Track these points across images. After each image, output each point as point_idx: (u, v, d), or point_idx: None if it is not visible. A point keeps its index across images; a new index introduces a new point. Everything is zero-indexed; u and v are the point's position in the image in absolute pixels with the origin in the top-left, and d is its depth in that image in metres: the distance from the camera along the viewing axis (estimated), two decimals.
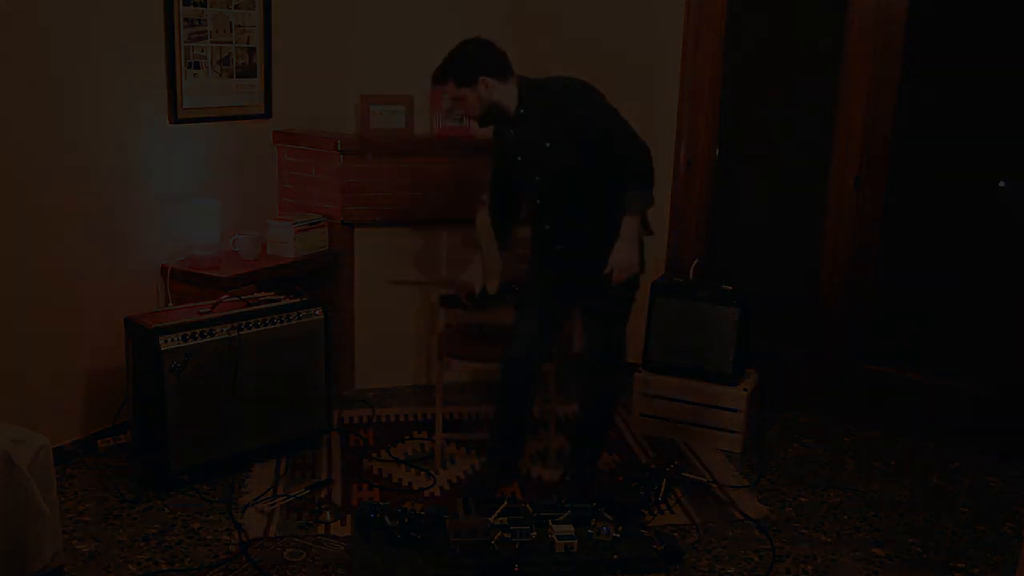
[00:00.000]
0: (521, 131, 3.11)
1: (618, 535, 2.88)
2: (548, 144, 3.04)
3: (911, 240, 3.88)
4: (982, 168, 3.69)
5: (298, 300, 3.49)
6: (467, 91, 3.02)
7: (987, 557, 2.98)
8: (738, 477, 3.49)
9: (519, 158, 3.15)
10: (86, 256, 3.39)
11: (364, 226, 4.09)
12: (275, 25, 3.97)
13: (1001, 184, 3.66)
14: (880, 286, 3.94)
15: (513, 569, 2.70)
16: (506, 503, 2.95)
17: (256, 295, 3.51)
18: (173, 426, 3.13)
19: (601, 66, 4.30)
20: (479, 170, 3.64)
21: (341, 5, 4.16)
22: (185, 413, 3.16)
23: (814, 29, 3.95)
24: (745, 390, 3.70)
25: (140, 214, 3.56)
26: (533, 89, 3.08)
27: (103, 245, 3.44)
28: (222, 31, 3.76)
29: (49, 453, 2.50)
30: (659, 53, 4.20)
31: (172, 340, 3.11)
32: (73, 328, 3.37)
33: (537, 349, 3.23)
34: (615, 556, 2.79)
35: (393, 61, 4.24)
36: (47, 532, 2.48)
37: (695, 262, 4.03)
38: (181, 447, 3.17)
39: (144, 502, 3.13)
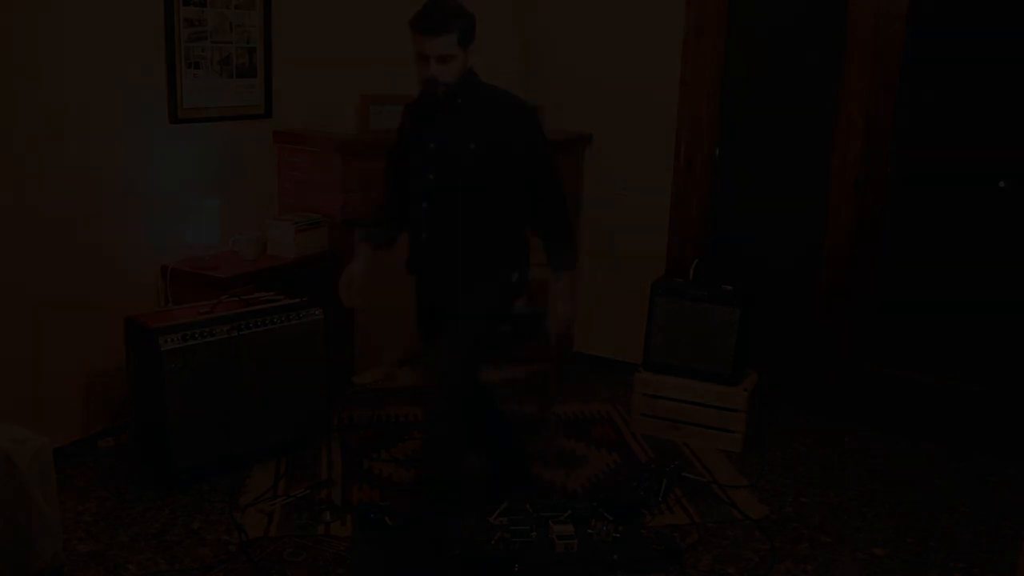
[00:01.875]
0: (450, 121, 2.78)
1: (618, 535, 2.88)
2: (472, 146, 2.74)
3: (911, 240, 3.88)
4: (982, 168, 3.70)
5: (298, 300, 3.49)
6: (460, 52, 2.64)
7: (987, 557, 2.98)
8: (738, 477, 3.48)
9: (432, 145, 2.80)
10: (86, 256, 3.39)
11: (364, 226, 4.08)
12: (275, 25, 3.97)
13: (1001, 184, 3.66)
14: (880, 286, 3.94)
15: (513, 569, 2.70)
16: (506, 503, 2.96)
17: (256, 295, 3.51)
18: (173, 426, 3.13)
19: (601, 66, 4.32)
20: None
21: (341, 5, 4.15)
22: (185, 413, 3.16)
23: (814, 29, 3.95)
24: (745, 390, 3.70)
25: (140, 214, 3.56)
26: (479, 86, 2.79)
27: (103, 245, 3.44)
28: (222, 31, 3.76)
29: (49, 453, 2.50)
30: (659, 53, 4.20)
31: (172, 340, 3.11)
32: (73, 328, 3.37)
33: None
34: (615, 556, 2.79)
35: (393, 61, 4.23)
36: (47, 532, 2.48)
37: (695, 262, 4.03)
38: (181, 447, 3.17)
39: (144, 502, 3.13)
